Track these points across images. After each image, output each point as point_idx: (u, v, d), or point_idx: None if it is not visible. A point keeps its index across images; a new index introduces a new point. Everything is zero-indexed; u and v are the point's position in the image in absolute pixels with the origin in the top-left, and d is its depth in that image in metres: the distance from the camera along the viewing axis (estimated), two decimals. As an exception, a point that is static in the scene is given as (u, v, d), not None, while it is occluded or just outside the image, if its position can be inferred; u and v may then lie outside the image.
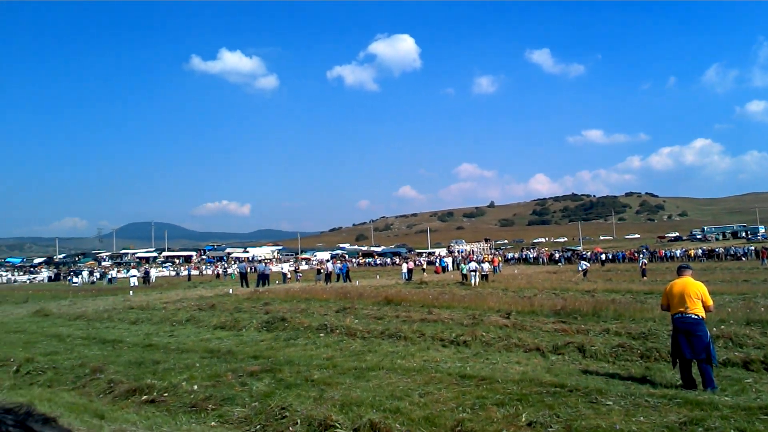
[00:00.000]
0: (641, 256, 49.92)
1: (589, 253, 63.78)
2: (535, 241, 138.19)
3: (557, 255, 69.23)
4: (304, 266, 65.25)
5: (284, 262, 77.00)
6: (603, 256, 61.53)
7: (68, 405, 7.73)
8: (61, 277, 64.46)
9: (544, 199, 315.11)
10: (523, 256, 74.59)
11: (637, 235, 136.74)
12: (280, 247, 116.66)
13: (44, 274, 71.12)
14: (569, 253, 70.10)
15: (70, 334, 15.16)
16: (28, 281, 64.46)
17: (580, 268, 36.91)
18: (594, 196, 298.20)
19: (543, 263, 65.51)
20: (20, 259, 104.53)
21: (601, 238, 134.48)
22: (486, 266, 34.87)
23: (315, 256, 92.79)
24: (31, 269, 79.63)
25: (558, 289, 24.77)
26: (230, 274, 56.41)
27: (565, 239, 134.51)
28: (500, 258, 62.39)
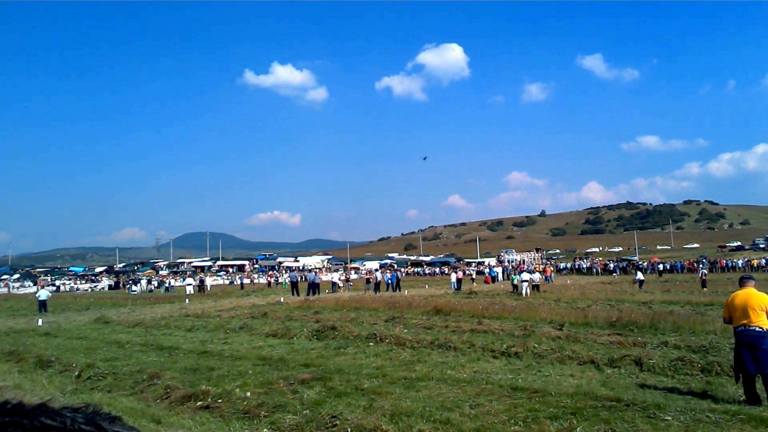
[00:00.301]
0: (701, 266, 48.12)
1: (645, 263, 61.76)
2: (588, 250, 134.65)
3: (612, 265, 67.28)
4: (353, 275, 65.62)
5: (334, 271, 77.68)
6: (660, 267, 59.49)
7: (127, 410, 8.00)
8: (121, 286, 66.79)
9: (598, 207, 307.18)
10: (576, 266, 72.85)
11: (696, 245, 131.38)
12: (330, 257, 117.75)
13: (105, 282, 73.90)
14: (624, 263, 68.06)
15: (129, 341, 15.68)
16: (89, 289, 67.04)
17: (635, 279, 35.87)
18: (650, 204, 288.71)
19: (597, 273, 63.82)
20: (83, 268, 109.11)
21: (658, 247, 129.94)
22: (537, 276, 34.24)
23: (364, 265, 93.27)
24: (93, 278, 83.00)
25: (613, 300, 24.12)
26: (281, 283, 57.31)
27: (620, 249, 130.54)
28: (552, 268, 61.17)
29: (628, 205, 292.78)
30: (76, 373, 10.79)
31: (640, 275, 36.46)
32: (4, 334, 18.44)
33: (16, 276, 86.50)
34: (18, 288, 67.33)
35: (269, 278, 67.31)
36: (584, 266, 71.55)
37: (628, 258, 79.54)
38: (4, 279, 79.44)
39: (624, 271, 61.59)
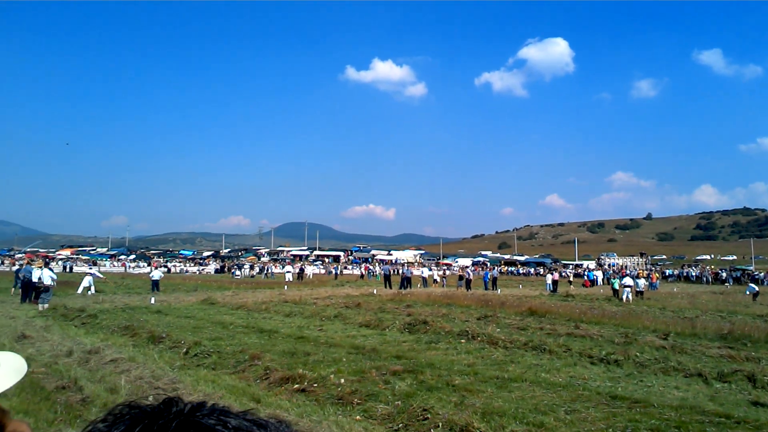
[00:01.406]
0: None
1: (762, 274, 56.89)
2: (698, 258, 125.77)
3: (724, 274, 62.54)
4: (434, 272, 65.36)
5: (426, 266, 77.77)
6: (779, 279, 54.57)
7: (229, 387, 8.46)
8: (226, 270, 70.45)
9: (711, 212, 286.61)
10: (684, 274, 68.37)
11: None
12: (423, 252, 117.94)
13: (211, 266, 78.21)
14: (738, 273, 63.06)
15: (232, 322, 16.51)
16: (197, 272, 71.12)
17: (748, 291, 33.12)
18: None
19: (707, 283, 59.55)
20: (192, 252, 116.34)
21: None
22: (642, 282, 32.42)
23: (456, 262, 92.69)
24: (201, 261, 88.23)
25: (724, 312, 22.45)
26: (375, 276, 58.12)
27: (734, 257, 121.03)
28: (657, 274, 57.79)
29: (745, 211, 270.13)
30: (184, 349, 11.47)
31: (754, 286, 33.59)
32: (120, 310, 19.90)
33: (132, 257, 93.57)
34: (134, 268, 72.59)
35: (364, 270, 68.52)
36: (693, 274, 67.02)
37: (743, 267, 73.53)
38: (122, 259, 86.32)
39: (737, 281, 57.13)
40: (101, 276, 28.60)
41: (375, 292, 30.80)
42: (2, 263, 69.41)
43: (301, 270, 54.28)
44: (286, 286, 37.08)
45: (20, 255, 77.24)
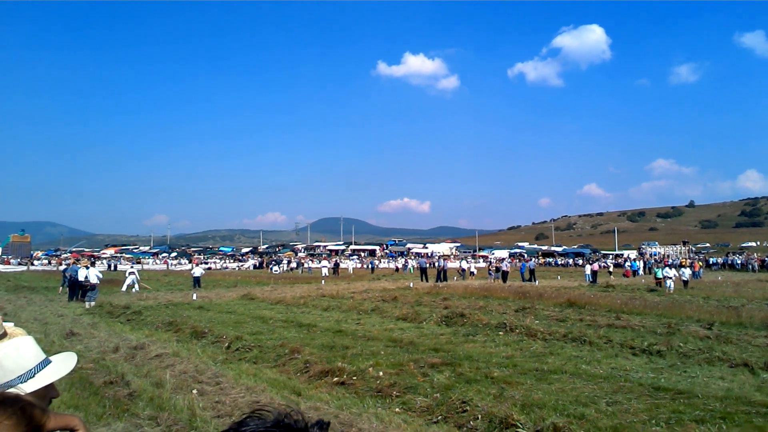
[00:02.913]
0: None
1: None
2: (743, 245, 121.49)
3: (772, 262, 60.52)
4: (481, 264, 64.92)
5: (462, 259, 77.39)
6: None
7: (270, 380, 8.62)
8: (264, 266, 71.47)
9: (757, 198, 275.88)
10: (729, 262, 66.38)
11: None
12: (458, 244, 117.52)
13: (250, 262, 79.50)
14: (787, 260, 60.87)
15: (271, 317, 16.73)
16: (237, 268, 72.41)
17: None
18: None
19: (753, 270, 57.64)
20: (231, 249, 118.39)
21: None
22: (687, 272, 31.47)
23: (493, 254, 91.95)
24: (240, 257, 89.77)
25: (773, 300, 21.73)
26: (408, 268, 58.14)
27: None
28: (701, 263, 56.24)
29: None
30: (226, 344, 11.73)
31: None
32: (164, 306, 20.42)
33: (174, 254, 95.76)
34: (175, 265, 74.31)
35: (397, 263, 68.62)
36: (738, 262, 65.01)
37: (792, 254, 71.03)
38: (164, 257, 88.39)
39: (786, 268, 55.17)
40: (139, 280, 29.41)
41: (411, 285, 30.83)
42: (49, 263, 71.88)
43: (336, 264, 54.68)
44: (323, 281, 37.44)
45: (66, 255, 79.82)
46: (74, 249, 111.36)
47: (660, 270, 31.25)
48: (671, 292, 26.85)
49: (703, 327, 13.54)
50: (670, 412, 6.77)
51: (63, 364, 1.85)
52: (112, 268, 62.47)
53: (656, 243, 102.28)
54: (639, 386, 8.07)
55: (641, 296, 23.74)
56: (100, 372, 9.09)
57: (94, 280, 21.72)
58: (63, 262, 49.27)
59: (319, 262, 61.71)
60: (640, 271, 50.09)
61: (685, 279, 29.65)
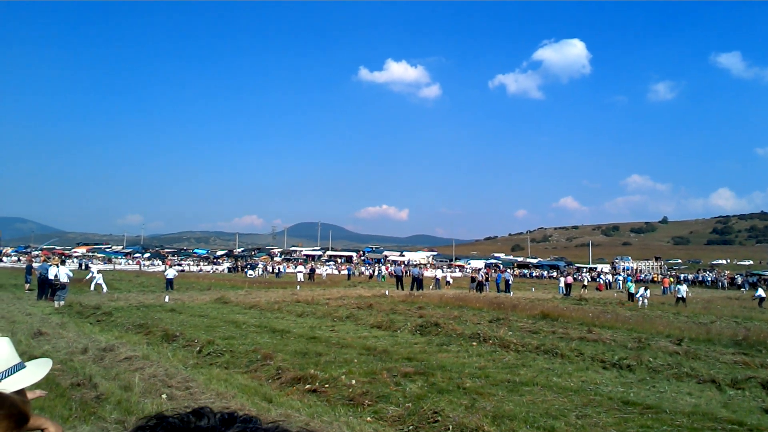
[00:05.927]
0: None
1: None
2: (714, 262, 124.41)
3: (740, 279, 61.87)
4: (457, 273, 65.19)
5: (438, 268, 77.65)
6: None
7: (241, 386, 8.52)
8: (239, 269, 70.88)
9: (728, 216, 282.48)
10: (700, 279, 67.72)
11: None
12: (435, 253, 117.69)
13: (225, 265, 78.76)
14: (755, 278, 62.29)
15: (245, 322, 16.56)
16: (211, 271, 71.66)
17: (755, 295, 32.17)
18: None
19: (723, 287, 58.95)
20: (205, 251, 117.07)
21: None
22: (684, 289, 30.83)
23: (469, 264, 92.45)
24: (214, 260, 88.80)
25: (740, 318, 22.26)
26: (382, 276, 58.03)
27: (751, 262, 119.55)
28: (671, 279, 57.25)
29: (763, 215, 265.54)
30: (198, 348, 11.52)
31: (761, 292, 32.49)
32: (135, 307, 20.09)
33: (147, 255, 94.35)
34: (148, 266, 73.33)
35: (371, 270, 68.51)
36: (709, 279, 66.37)
37: (760, 273, 72.66)
38: (137, 257, 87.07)
39: (754, 286, 56.42)
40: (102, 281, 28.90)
41: (387, 293, 30.82)
42: (19, 260, 70.34)
43: (312, 270, 54.44)
44: (298, 286, 37.24)
45: (37, 252, 78.17)
46: (45, 246, 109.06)
47: (633, 284, 31.61)
48: (643, 307, 27.23)
49: (673, 342, 13.77)
50: (638, 426, 6.85)
51: (39, 369, 1.83)
52: (83, 267, 61.37)
53: (629, 258, 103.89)
54: (608, 400, 8.16)
55: (613, 310, 24.09)
56: (67, 373, 8.89)
57: (64, 279, 21.29)
58: (33, 260, 48.28)
59: (295, 267, 61.34)
60: (620, 286, 50.85)
61: (681, 296, 29.68)
